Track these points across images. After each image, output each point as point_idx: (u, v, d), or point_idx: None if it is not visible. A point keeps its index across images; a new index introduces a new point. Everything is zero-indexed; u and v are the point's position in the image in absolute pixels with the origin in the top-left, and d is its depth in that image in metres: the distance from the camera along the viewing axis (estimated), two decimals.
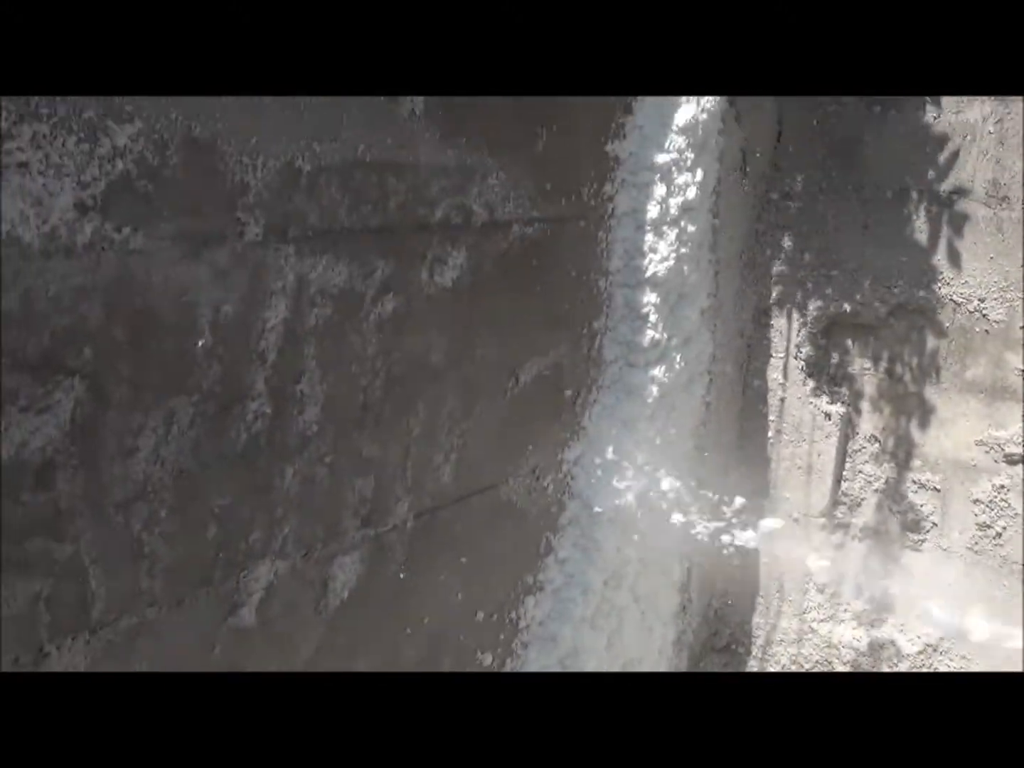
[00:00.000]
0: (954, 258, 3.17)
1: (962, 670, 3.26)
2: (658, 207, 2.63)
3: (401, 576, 2.08)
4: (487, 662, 2.41)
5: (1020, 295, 3.04)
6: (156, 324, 1.50)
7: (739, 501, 2.84)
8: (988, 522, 3.17)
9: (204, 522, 1.63)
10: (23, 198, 1.30)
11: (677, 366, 2.82)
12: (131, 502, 1.50)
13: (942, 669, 3.29)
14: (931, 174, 3.16)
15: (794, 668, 3.50)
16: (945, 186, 3.15)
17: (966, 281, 3.14)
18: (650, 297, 2.66)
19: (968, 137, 3.09)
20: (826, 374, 3.38)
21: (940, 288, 3.17)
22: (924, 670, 3.31)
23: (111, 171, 1.40)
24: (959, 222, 3.16)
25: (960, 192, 3.13)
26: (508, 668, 2.49)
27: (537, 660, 2.56)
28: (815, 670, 3.48)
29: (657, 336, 2.70)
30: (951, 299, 3.17)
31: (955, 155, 3.14)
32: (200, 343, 1.56)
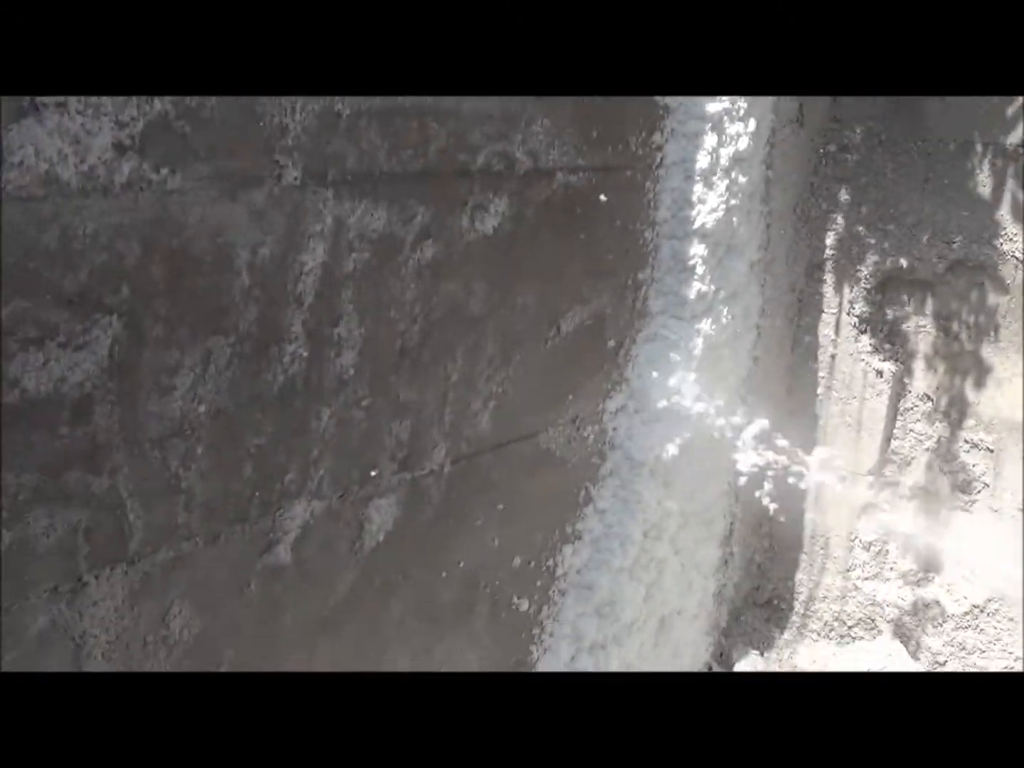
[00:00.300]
0: (1017, 213, 3.08)
1: (1008, 632, 3.21)
2: (708, 157, 2.58)
3: (437, 520, 2.10)
4: (523, 607, 2.43)
5: None
6: (193, 264, 1.52)
7: (785, 444, 2.80)
8: None
9: (240, 461, 1.66)
10: (61, 137, 1.32)
11: (724, 319, 2.78)
12: (168, 438, 1.54)
13: (988, 630, 3.25)
14: (997, 126, 3.06)
15: (836, 625, 3.49)
16: (1012, 139, 3.05)
17: None
18: (698, 249, 2.62)
19: None
20: (880, 331, 3.32)
21: (1002, 244, 3.09)
22: (969, 631, 3.27)
23: (149, 111, 1.42)
24: None
25: None
26: (544, 615, 2.51)
27: (574, 608, 2.58)
28: (858, 628, 3.46)
29: (704, 288, 2.67)
30: (1012, 256, 3.08)
31: (1023, 107, 3.04)
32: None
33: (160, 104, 1.42)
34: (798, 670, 3.41)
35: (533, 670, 2.51)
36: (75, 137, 1.34)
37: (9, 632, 1.40)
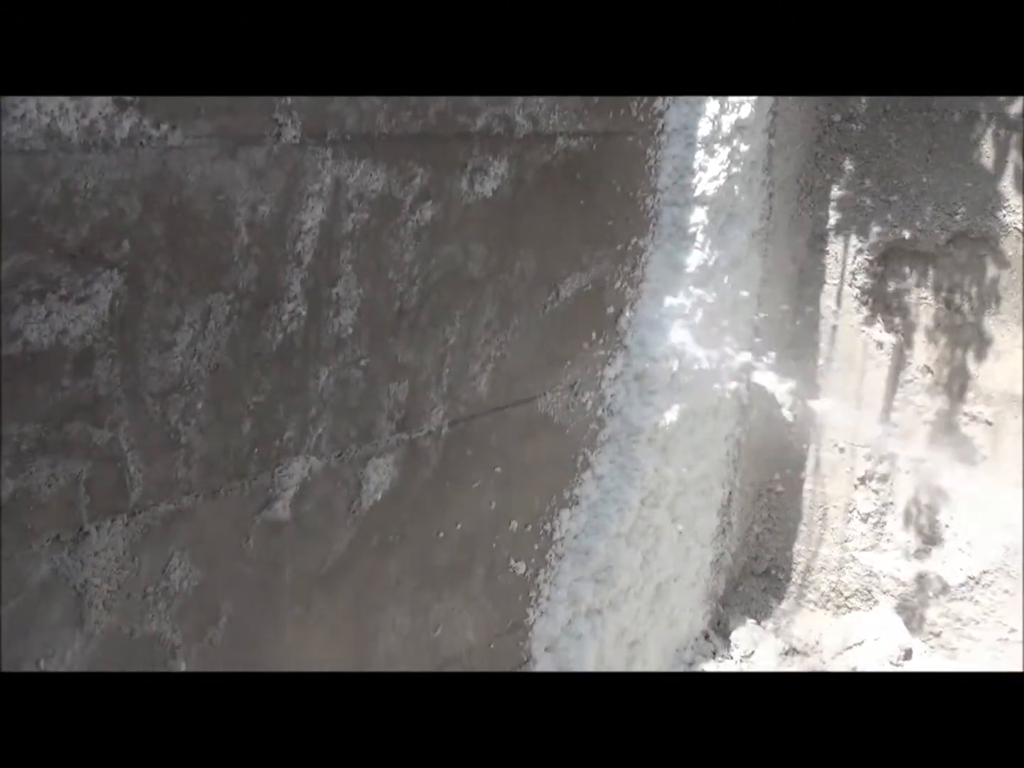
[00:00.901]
0: (1020, 185, 3.07)
1: (1003, 604, 3.24)
2: (710, 124, 2.59)
3: (435, 482, 2.13)
4: (521, 570, 2.46)
5: None
6: (193, 221, 1.54)
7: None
8: None
9: (239, 417, 1.69)
10: None
11: (725, 288, 2.79)
12: (168, 393, 1.56)
13: (984, 602, 3.28)
14: (1001, 96, 3.05)
15: (833, 595, 3.51)
16: (1016, 108, 3.04)
17: None
18: (699, 216, 2.63)
19: None
20: (881, 303, 3.32)
21: (1005, 216, 3.09)
22: (965, 602, 3.30)
23: None
24: None
25: None
26: (541, 579, 2.54)
27: (571, 572, 2.61)
28: (854, 599, 3.49)
29: (704, 256, 2.68)
30: (1015, 227, 3.08)
31: None
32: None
33: None
34: (795, 640, 3.44)
35: (530, 632, 2.54)
36: None
37: (11, 580, 1.42)
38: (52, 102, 1.33)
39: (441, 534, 2.19)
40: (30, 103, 1.31)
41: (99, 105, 1.38)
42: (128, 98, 1.41)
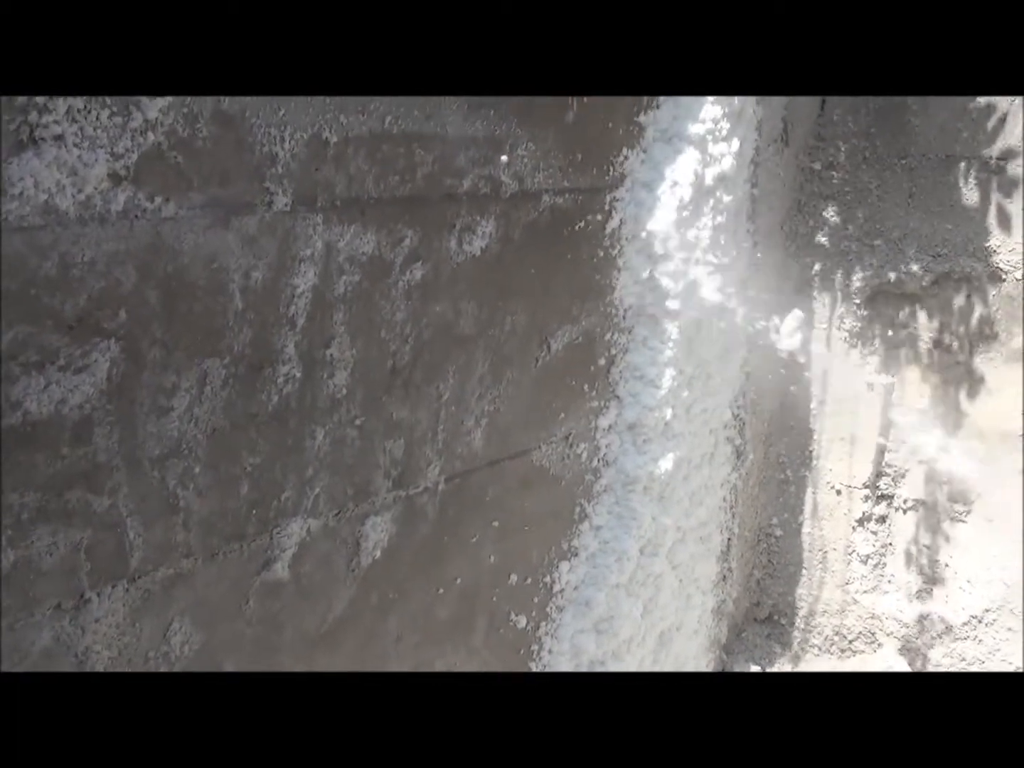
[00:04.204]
0: (1002, 225, 3.14)
1: (1007, 642, 3.23)
2: (693, 177, 2.64)
3: (433, 537, 2.14)
4: (522, 624, 2.46)
5: None
6: (188, 289, 1.57)
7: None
8: None
9: (237, 479, 1.71)
10: (59, 168, 1.38)
11: (714, 335, 2.83)
12: (166, 458, 1.58)
13: (987, 641, 3.27)
14: (978, 140, 3.12)
15: (837, 639, 3.51)
16: (993, 151, 3.11)
17: (1013, 248, 3.11)
18: (684, 265, 2.67)
19: (1015, 101, 3.04)
20: (870, 345, 3.37)
21: (987, 256, 3.14)
22: (968, 641, 3.29)
23: (143, 143, 1.47)
24: (1007, 188, 3.12)
25: (1008, 157, 3.09)
26: (542, 631, 2.54)
27: (572, 624, 2.61)
28: (858, 642, 3.48)
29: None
30: (997, 267, 3.13)
31: (1003, 120, 3.10)
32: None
33: (154, 136, 1.48)
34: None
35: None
36: (72, 169, 1.39)
37: (14, 649, 1.44)
38: (49, 179, 1.37)
39: (441, 590, 2.20)
40: (28, 181, 1.35)
41: (95, 180, 1.42)
42: (123, 172, 1.46)
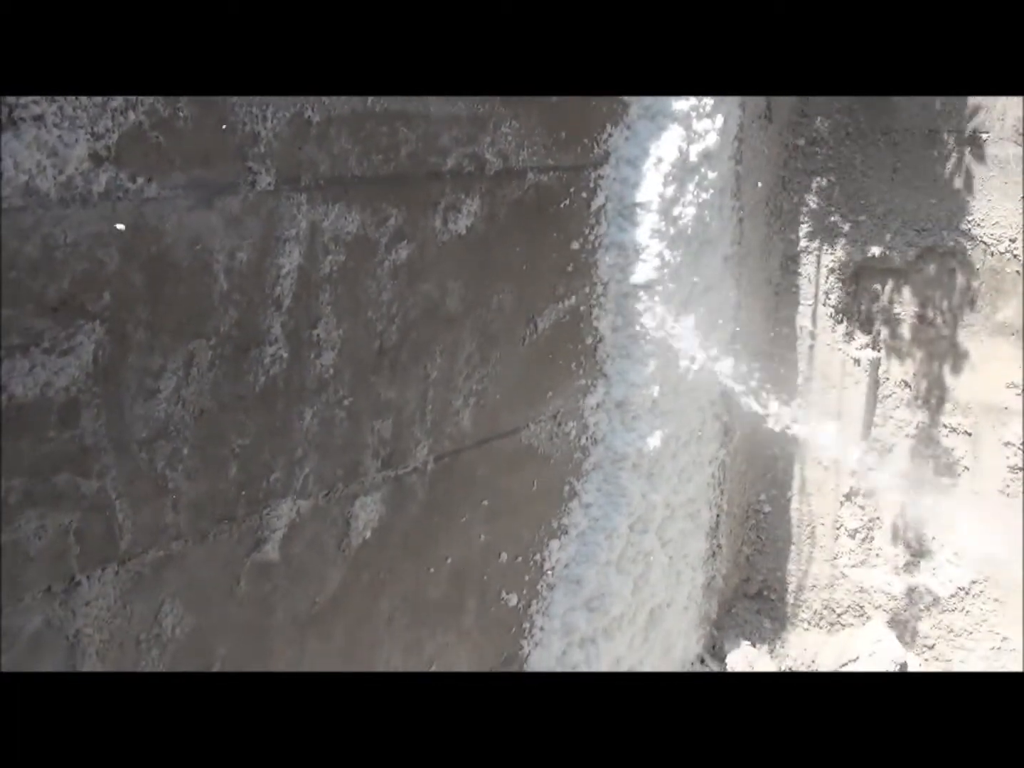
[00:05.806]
0: (985, 198, 3.14)
1: (994, 613, 3.26)
2: (677, 153, 2.63)
3: (423, 517, 2.14)
4: (513, 602, 2.47)
5: None
6: (172, 270, 1.56)
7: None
8: (1019, 464, 3.16)
9: (226, 460, 1.70)
10: (39, 149, 1.37)
11: (700, 312, 2.83)
12: (154, 440, 1.58)
13: (975, 612, 3.30)
14: (961, 114, 3.13)
15: (826, 613, 3.53)
16: (975, 125, 3.11)
17: (997, 222, 3.12)
18: (669, 244, 2.67)
19: None
20: (855, 320, 3.38)
21: (970, 229, 3.15)
22: (956, 613, 3.32)
23: (124, 123, 1.46)
24: (989, 162, 3.12)
25: (990, 131, 3.09)
26: (533, 610, 2.55)
27: (563, 602, 2.62)
28: (847, 615, 3.51)
29: (675, 283, 2.71)
30: (981, 240, 3.14)
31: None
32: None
33: (134, 115, 1.47)
34: (790, 660, 3.45)
35: (524, 664, 2.55)
36: (53, 149, 1.38)
37: (5, 632, 1.43)
38: (29, 160, 1.36)
39: (432, 569, 2.20)
40: (7, 162, 1.34)
41: (76, 161, 1.41)
42: (104, 152, 1.45)
